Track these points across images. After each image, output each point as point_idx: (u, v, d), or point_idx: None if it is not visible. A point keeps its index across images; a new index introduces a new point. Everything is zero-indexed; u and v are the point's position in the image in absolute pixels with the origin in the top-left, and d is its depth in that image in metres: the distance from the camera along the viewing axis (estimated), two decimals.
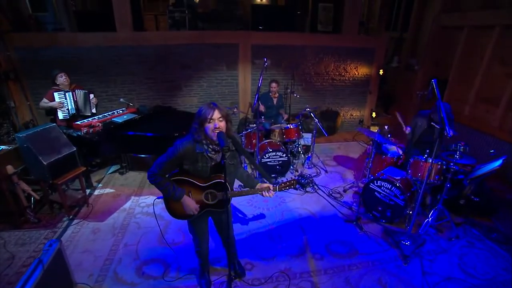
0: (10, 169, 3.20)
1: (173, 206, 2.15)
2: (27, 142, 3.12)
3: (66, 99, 4.09)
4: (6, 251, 2.99)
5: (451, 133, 2.59)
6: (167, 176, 2.07)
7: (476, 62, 5.21)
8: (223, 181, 1.99)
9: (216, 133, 1.88)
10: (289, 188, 2.18)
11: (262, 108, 4.83)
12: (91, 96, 4.32)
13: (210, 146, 1.99)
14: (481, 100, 5.22)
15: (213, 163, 2.06)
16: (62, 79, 4.10)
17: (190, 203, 2.08)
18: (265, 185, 2.13)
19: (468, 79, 5.38)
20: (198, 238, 2.44)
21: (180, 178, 2.06)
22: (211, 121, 1.89)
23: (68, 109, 4.13)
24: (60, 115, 4.09)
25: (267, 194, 2.11)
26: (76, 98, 4.16)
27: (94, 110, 4.40)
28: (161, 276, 2.74)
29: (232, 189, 2.22)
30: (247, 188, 2.25)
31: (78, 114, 4.22)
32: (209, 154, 2.01)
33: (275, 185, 2.14)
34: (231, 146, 2.07)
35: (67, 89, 4.13)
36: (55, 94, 4.02)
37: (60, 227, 3.37)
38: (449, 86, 5.80)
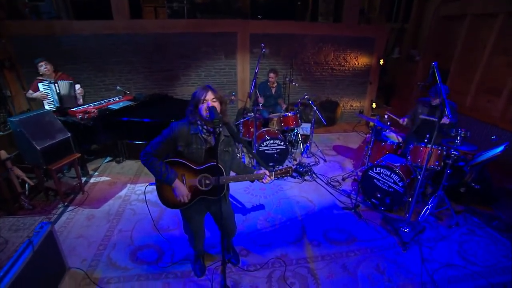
0: (3, 154, 3.16)
1: (165, 193, 2.10)
2: (20, 127, 3.07)
3: (50, 90, 3.95)
4: (0, 236, 2.96)
5: (450, 116, 2.53)
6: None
7: (478, 52, 5.12)
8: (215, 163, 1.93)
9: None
10: (285, 176, 2.18)
11: (261, 100, 4.81)
12: (77, 86, 4.16)
13: (205, 127, 1.98)
14: (483, 90, 5.14)
15: (207, 146, 2.02)
16: (42, 68, 3.92)
17: (181, 188, 2.03)
18: (262, 171, 2.12)
19: (470, 69, 5.30)
20: (194, 238, 2.41)
21: (174, 160, 2.02)
22: (204, 101, 1.90)
23: (52, 101, 4.00)
24: (46, 106, 3.97)
25: (263, 180, 2.09)
26: (59, 89, 3.99)
27: (81, 101, 4.25)
28: (155, 261, 2.70)
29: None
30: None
31: (62, 106, 4.03)
32: (203, 135, 1.99)
33: (271, 171, 2.12)
34: (226, 132, 2.05)
35: (52, 79, 3.98)
36: (39, 84, 3.90)
37: (55, 214, 3.34)
38: (451, 76, 5.72)
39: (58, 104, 4.03)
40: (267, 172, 2.09)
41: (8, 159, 3.21)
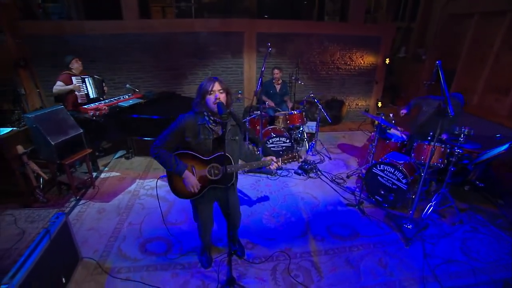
0: (20, 149, 3.30)
1: (176, 184, 2.17)
2: (35, 123, 3.19)
3: (85, 83, 4.21)
4: (17, 227, 3.10)
5: (452, 114, 2.56)
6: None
7: (486, 50, 5.11)
8: (223, 153, 2.01)
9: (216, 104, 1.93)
10: (292, 161, 2.23)
11: (271, 103, 4.90)
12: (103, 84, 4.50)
13: (211, 118, 2.04)
14: (490, 89, 5.12)
15: (215, 136, 2.09)
16: (78, 64, 4.18)
17: (191, 178, 2.10)
18: (269, 157, 2.18)
19: (477, 68, 5.28)
20: (203, 228, 2.48)
21: (183, 152, 2.09)
22: (211, 92, 1.95)
23: (86, 93, 4.24)
24: (79, 99, 4.17)
25: (271, 166, 2.16)
26: (94, 83, 4.32)
27: (104, 96, 4.53)
28: (163, 253, 2.80)
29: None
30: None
31: (98, 98, 4.34)
32: (210, 126, 2.05)
33: (278, 157, 2.19)
34: (232, 121, 2.13)
35: (80, 75, 4.20)
36: (73, 78, 4.10)
37: (68, 207, 3.47)
38: (457, 76, 5.71)
39: (95, 95, 4.34)
40: (274, 158, 2.16)
41: (24, 154, 3.35)
